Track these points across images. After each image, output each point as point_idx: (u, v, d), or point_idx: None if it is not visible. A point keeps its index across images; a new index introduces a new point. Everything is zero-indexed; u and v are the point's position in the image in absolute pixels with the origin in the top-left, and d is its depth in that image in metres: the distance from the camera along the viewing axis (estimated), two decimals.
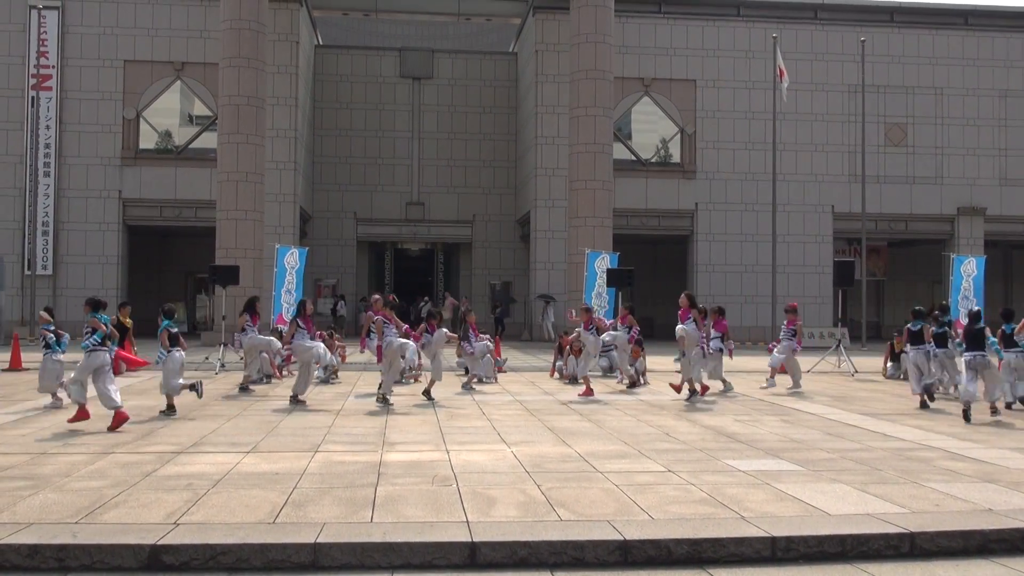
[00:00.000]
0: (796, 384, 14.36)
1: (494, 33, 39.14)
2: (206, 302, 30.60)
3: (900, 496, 6.45)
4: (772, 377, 14.41)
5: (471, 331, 15.16)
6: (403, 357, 11.99)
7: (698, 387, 12.65)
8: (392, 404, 11.56)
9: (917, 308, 13.67)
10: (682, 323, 12.36)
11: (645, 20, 29.85)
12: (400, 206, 33.26)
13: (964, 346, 11.78)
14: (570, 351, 15.68)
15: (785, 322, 15.02)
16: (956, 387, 12.90)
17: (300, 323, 12.07)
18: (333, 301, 31.37)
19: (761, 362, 20.52)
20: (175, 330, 10.96)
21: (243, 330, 13.67)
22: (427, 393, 12.36)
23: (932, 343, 12.65)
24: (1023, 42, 31.15)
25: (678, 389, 12.89)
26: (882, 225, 30.65)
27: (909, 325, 12.98)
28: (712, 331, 13.65)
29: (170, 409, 10.59)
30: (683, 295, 12.83)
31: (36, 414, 10.57)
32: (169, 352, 10.57)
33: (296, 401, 11.77)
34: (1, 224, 27.83)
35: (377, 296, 13.74)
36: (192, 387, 10.84)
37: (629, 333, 14.33)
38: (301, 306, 12.58)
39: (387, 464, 7.47)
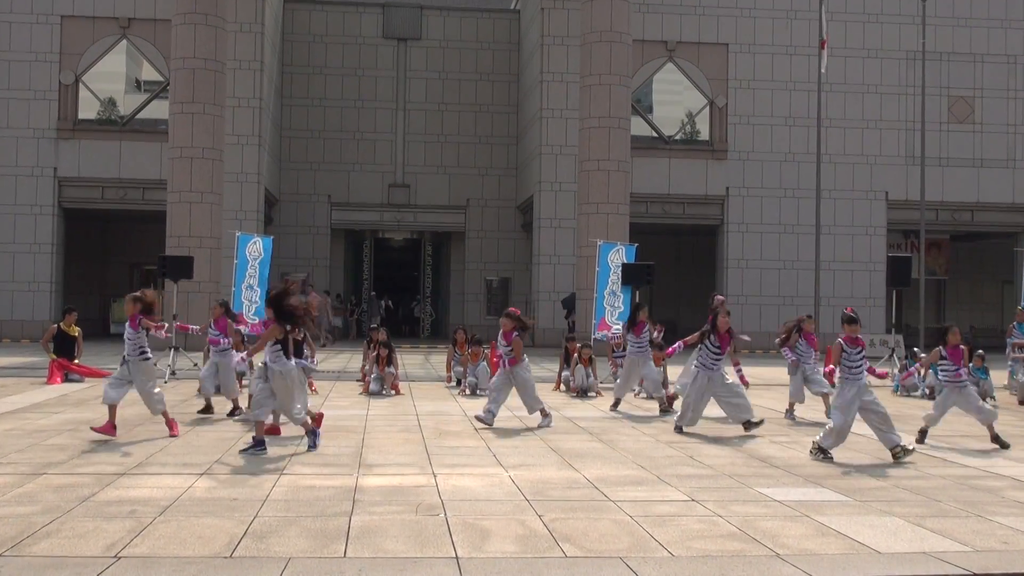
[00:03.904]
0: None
1: None
2: None
3: (962, 532, 6.45)
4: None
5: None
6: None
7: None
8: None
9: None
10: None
11: None
12: (382, 189, 33.29)
13: None
14: (578, 360, 15.68)
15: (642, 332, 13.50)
16: None
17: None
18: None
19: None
20: None
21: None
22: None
23: None
24: None
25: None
26: (944, 215, 30.67)
27: None
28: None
29: None
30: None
31: None
32: None
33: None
34: None
35: (721, 298, 14.32)
36: None
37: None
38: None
39: (364, 490, 7.48)
